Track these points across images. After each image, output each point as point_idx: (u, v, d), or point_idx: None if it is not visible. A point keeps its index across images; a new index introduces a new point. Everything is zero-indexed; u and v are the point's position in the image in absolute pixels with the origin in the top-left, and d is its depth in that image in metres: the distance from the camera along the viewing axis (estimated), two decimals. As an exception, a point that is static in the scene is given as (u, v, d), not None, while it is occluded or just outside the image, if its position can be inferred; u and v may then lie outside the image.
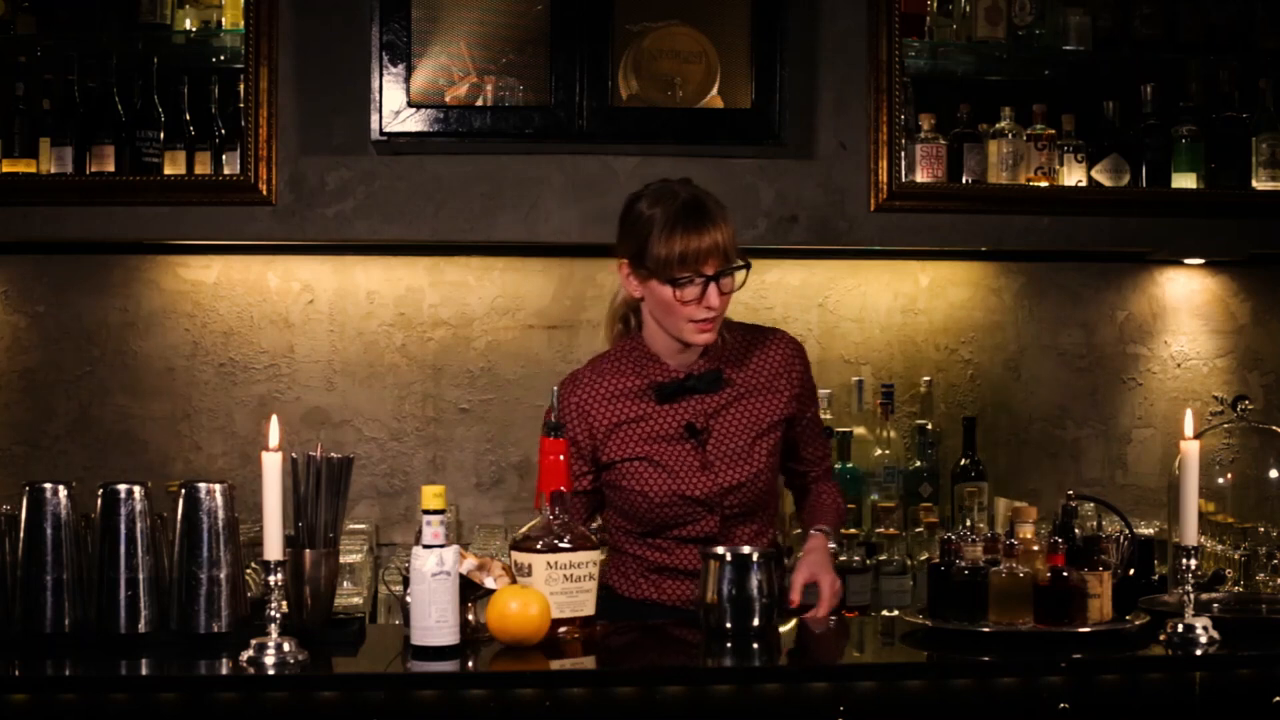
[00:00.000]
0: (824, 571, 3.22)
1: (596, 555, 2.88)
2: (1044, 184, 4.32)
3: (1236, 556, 3.48)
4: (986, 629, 2.79)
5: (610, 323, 3.36)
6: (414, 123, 4.01)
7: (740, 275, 3.16)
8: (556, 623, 2.80)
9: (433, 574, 2.68)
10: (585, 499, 3.26)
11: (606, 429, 3.23)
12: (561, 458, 2.91)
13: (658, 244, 3.11)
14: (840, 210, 4.26)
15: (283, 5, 4.10)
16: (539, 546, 2.82)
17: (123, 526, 2.77)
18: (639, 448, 3.22)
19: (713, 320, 3.16)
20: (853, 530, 4.19)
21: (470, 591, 2.80)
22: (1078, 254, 4.55)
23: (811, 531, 3.33)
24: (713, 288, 3.12)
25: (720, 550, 2.89)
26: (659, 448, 3.22)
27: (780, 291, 4.47)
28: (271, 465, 2.64)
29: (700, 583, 2.87)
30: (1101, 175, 4.37)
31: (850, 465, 4.30)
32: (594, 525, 3.34)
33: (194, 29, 4.15)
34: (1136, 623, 2.82)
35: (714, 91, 4.12)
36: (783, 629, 3.00)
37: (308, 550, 2.83)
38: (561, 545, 2.82)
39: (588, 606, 2.85)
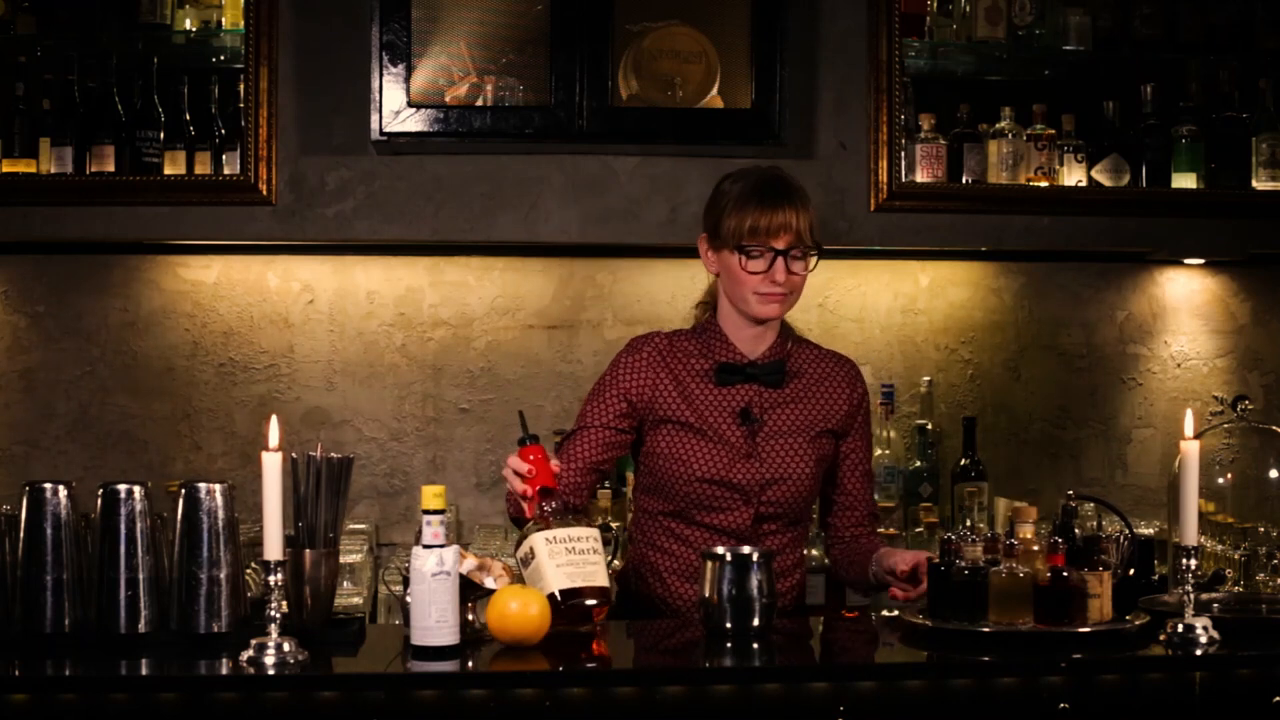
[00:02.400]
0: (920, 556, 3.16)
1: (596, 533, 2.88)
2: (1044, 184, 4.32)
3: (1236, 556, 3.48)
4: (986, 629, 2.79)
5: (699, 308, 3.37)
6: (414, 123, 4.02)
7: (812, 260, 3.19)
8: (573, 594, 2.80)
9: (433, 574, 2.67)
10: (598, 448, 3.22)
11: (662, 391, 3.22)
12: (547, 458, 2.94)
13: (732, 214, 3.19)
14: (840, 210, 4.26)
15: (283, 5, 4.10)
16: (535, 530, 2.85)
17: (123, 526, 2.76)
18: (689, 417, 3.21)
19: (779, 296, 3.18)
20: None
21: (470, 591, 2.80)
22: (1078, 254, 4.55)
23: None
24: (779, 263, 3.16)
25: (720, 550, 2.88)
26: (709, 423, 3.21)
27: (780, 291, 4.47)
28: (271, 465, 2.64)
29: (700, 583, 2.87)
30: (1101, 175, 4.37)
31: (850, 465, 4.30)
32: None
33: (194, 29, 4.16)
34: (1136, 623, 2.82)
35: (714, 91, 4.12)
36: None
37: (308, 550, 2.82)
38: (556, 525, 2.85)
39: (600, 577, 2.84)
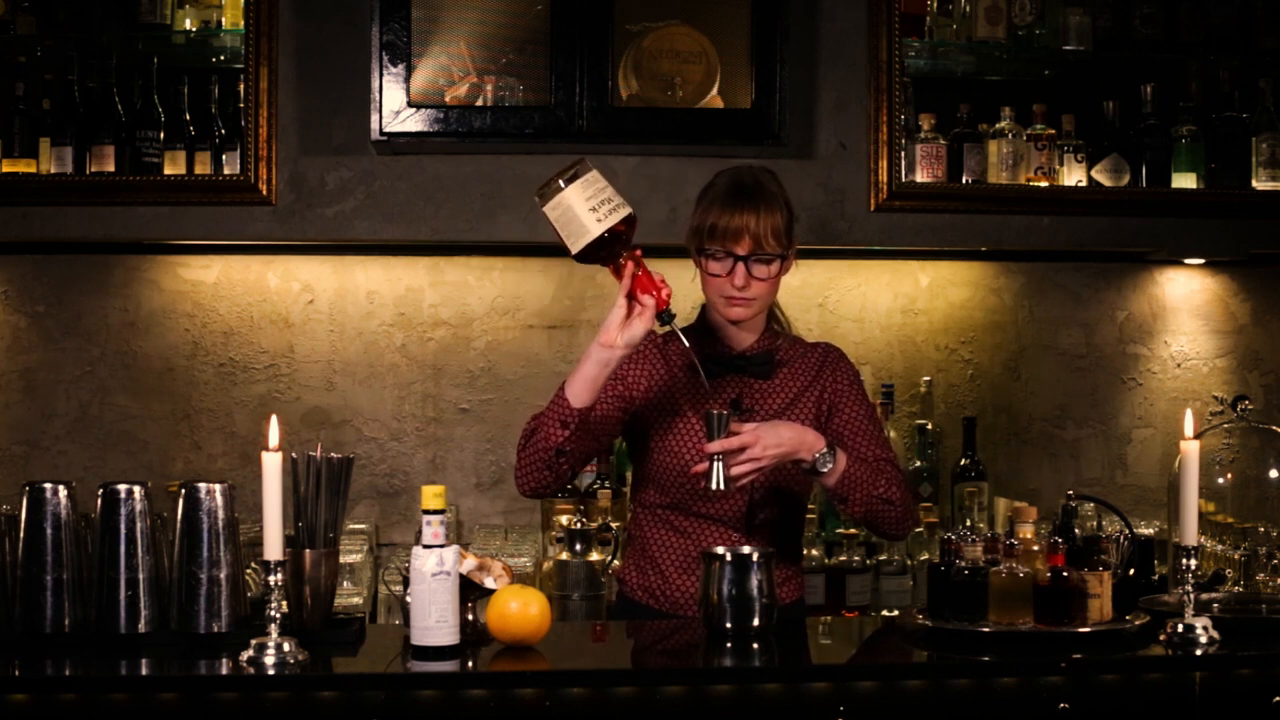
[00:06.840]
0: (769, 429, 3.08)
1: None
2: (1044, 184, 4.32)
3: (1236, 556, 3.48)
4: (986, 629, 2.79)
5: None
6: (414, 123, 4.01)
7: (775, 265, 3.18)
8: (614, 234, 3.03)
9: (433, 574, 2.68)
10: (594, 420, 3.14)
11: (658, 380, 3.24)
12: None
13: (698, 215, 3.23)
14: (840, 210, 4.26)
15: (283, 5, 4.10)
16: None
17: (123, 526, 2.77)
18: (684, 407, 3.22)
19: (746, 300, 3.19)
20: (853, 530, 4.19)
21: (470, 591, 2.80)
22: (1078, 254, 4.55)
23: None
24: (739, 268, 3.16)
25: (720, 550, 2.89)
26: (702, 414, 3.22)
27: (780, 292, 4.45)
28: (271, 465, 2.64)
29: (701, 583, 2.88)
30: (1101, 175, 4.37)
31: (850, 465, 4.30)
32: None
33: (194, 29, 4.15)
34: (1136, 623, 2.82)
35: (714, 91, 4.12)
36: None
37: (308, 550, 2.83)
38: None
39: (622, 209, 3.06)
